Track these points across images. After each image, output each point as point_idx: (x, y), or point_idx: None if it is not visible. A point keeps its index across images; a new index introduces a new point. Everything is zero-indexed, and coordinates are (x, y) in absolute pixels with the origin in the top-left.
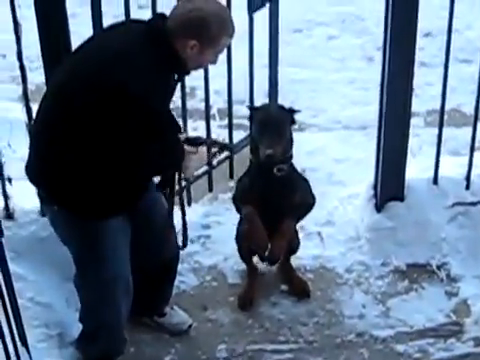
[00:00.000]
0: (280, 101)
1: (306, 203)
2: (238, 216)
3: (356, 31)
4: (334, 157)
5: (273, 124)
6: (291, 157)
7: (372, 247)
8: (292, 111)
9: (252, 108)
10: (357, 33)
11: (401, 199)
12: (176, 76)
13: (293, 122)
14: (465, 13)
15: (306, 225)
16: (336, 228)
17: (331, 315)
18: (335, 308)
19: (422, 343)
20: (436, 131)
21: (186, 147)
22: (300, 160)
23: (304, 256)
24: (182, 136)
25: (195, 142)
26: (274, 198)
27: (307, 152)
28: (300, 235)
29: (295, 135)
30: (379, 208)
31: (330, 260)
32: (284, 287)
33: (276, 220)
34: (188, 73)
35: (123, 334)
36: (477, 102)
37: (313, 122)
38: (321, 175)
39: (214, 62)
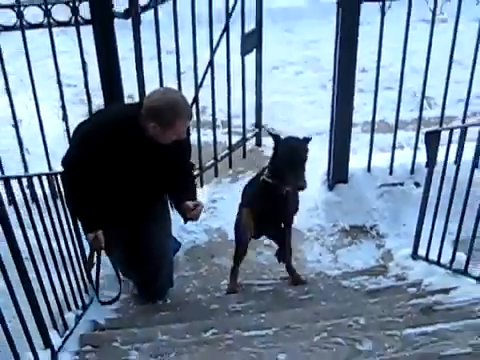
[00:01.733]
0: (264, 116)
1: (296, 209)
2: (235, 193)
3: (315, 68)
4: None
5: (302, 160)
6: None
7: (326, 214)
8: (307, 141)
9: (276, 136)
10: (315, 69)
11: (345, 182)
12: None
13: (307, 151)
14: (388, 55)
15: None
16: (301, 202)
17: (299, 261)
18: (301, 256)
19: (360, 279)
20: (369, 136)
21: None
22: None
23: None
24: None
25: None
26: (275, 207)
27: None
28: None
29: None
30: (331, 188)
31: (298, 224)
32: (267, 242)
33: (273, 222)
34: (163, 143)
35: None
36: (397, 116)
37: (286, 130)
38: None
39: (181, 136)
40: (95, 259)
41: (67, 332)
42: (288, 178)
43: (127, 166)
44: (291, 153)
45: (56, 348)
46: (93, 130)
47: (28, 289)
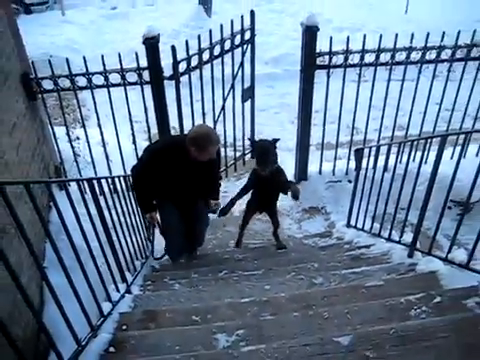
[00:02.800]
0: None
1: (286, 180)
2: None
3: (287, 110)
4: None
5: (265, 154)
6: (276, 162)
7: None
8: (275, 141)
9: (252, 140)
10: (287, 111)
11: (306, 180)
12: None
13: (275, 147)
14: (331, 101)
15: None
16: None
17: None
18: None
19: (315, 239)
20: (320, 152)
21: (211, 201)
22: None
23: None
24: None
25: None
26: (269, 184)
27: None
28: None
29: None
30: (297, 183)
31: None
32: (260, 216)
33: (268, 196)
34: (201, 160)
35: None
36: (337, 139)
37: None
38: None
39: (213, 156)
40: (151, 230)
41: (136, 273)
42: (258, 166)
43: (177, 174)
44: (259, 149)
45: (129, 282)
46: (155, 150)
47: (112, 246)
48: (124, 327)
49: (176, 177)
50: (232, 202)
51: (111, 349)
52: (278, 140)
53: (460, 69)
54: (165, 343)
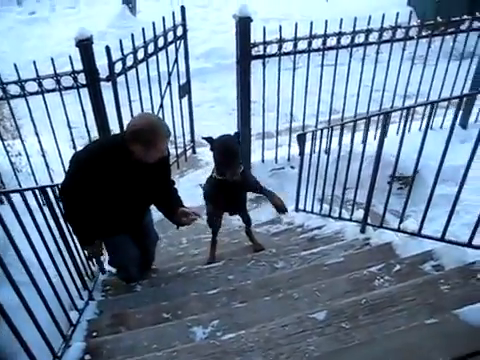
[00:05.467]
0: (195, 134)
1: (255, 183)
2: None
3: (222, 103)
4: None
5: (233, 155)
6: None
7: None
8: (238, 135)
9: (208, 139)
10: (222, 104)
11: (249, 169)
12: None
13: (239, 142)
14: (268, 91)
15: None
16: None
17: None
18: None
19: (266, 227)
20: (261, 141)
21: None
22: (205, 157)
23: None
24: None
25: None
26: (231, 196)
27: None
28: None
29: None
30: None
31: None
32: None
33: (237, 203)
34: (148, 161)
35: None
36: (277, 127)
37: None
38: None
39: (163, 153)
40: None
41: (94, 279)
42: (224, 172)
43: (119, 186)
44: (223, 149)
45: (90, 288)
46: (85, 158)
47: (70, 253)
48: (94, 334)
49: (118, 189)
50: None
51: (87, 357)
52: (239, 134)
53: (387, 51)
54: (142, 343)
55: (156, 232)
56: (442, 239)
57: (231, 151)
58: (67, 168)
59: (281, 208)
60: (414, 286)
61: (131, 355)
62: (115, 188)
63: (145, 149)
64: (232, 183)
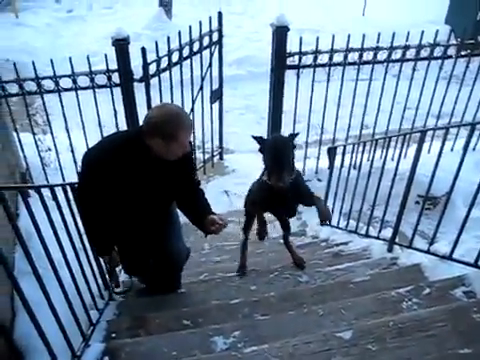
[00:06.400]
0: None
1: (309, 193)
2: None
3: (252, 111)
4: (249, 163)
5: (281, 158)
6: (294, 167)
7: None
8: (292, 137)
9: (258, 138)
10: (252, 112)
11: None
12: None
13: (294, 146)
14: (299, 102)
15: (235, 190)
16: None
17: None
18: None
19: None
20: None
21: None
22: (234, 164)
23: (239, 205)
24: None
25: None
26: (286, 199)
27: (237, 161)
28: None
29: None
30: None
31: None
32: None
33: (284, 213)
34: (169, 158)
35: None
36: (306, 139)
37: (237, 148)
38: (244, 171)
39: (185, 149)
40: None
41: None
42: (271, 176)
43: (136, 186)
44: (272, 150)
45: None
46: (96, 157)
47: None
48: (113, 335)
49: (135, 191)
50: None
51: (105, 359)
52: (297, 135)
53: (424, 68)
54: (161, 349)
55: (186, 246)
56: (476, 264)
57: (279, 153)
58: (80, 168)
59: (326, 218)
60: (445, 312)
61: None
62: (131, 189)
63: (165, 143)
64: (282, 191)
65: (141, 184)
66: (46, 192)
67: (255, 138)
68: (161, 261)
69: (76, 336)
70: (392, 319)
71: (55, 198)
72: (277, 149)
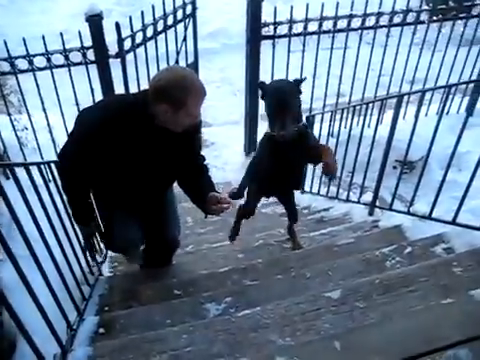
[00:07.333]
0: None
1: (318, 143)
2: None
3: (228, 83)
4: (228, 135)
5: (284, 101)
6: (301, 118)
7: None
8: (298, 82)
9: (260, 83)
10: (229, 84)
11: (255, 150)
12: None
13: (300, 92)
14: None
15: (214, 163)
16: (229, 164)
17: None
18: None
19: (272, 208)
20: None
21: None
22: (212, 137)
23: (218, 177)
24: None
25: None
26: (290, 153)
27: (215, 134)
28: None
29: None
30: (247, 154)
31: (229, 177)
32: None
33: (292, 175)
34: (176, 130)
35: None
36: None
37: (215, 121)
38: (223, 143)
39: (195, 118)
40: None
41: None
42: (274, 125)
43: (135, 159)
44: (273, 96)
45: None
46: (94, 120)
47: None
48: (106, 308)
49: (131, 164)
50: (240, 190)
51: (101, 330)
52: (304, 80)
53: (397, 36)
54: (154, 318)
55: (179, 223)
56: (454, 222)
57: (282, 96)
58: (72, 129)
59: (330, 170)
60: (427, 267)
61: (145, 330)
62: (128, 163)
63: (173, 111)
64: (287, 144)
65: (140, 158)
66: (34, 169)
67: (258, 84)
68: (155, 248)
69: (72, 311)
70: (377, 277)
71: (42, 177)
72: (280, 92)
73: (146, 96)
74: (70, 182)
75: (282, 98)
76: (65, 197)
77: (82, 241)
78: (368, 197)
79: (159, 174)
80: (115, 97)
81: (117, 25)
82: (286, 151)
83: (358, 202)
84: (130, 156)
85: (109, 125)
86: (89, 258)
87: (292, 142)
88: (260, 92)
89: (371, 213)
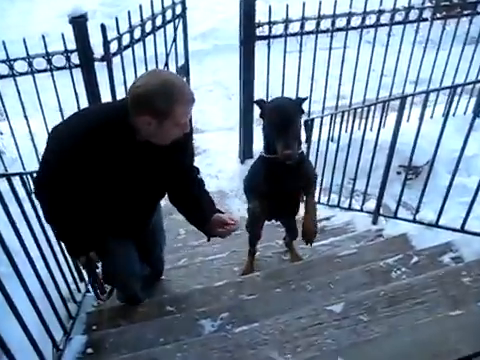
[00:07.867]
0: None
1: (314, 178)
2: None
3: (221, 87)
4: (221, 142)
5: (288, 121)
6: (300, 143)
7: (240, 179)
8: (300, 101)
9: (259, 101)
10: (222, 87)
11: (252, 157)
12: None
13: (302, 112)
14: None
15: (207, 171)
16: (223, 172)
17: (228, 211)
18: (228, 208)
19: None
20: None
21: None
22: (204, 144)
23: (212, 185)
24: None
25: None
26: (290, 178)
27: (208, 141)
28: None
29: None
30: (242, 162)
31: (224, 187)
32: None
33: (290, 200)
34: (161, 143)
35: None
36: None
37: (207, 128)
38: (216, 150)
39: (184, 129)
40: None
41: None
42: (275, 145)
43: (118, 177)
44: (277, 114)
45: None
46: (70, 140)
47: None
48: (94, 327)
49: (116, 184)
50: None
51: (89, 350)
52: (305, 100)
53: (399, 34)
54: (146, 336)
55: (165, 235)
56: (462, 230)
57: (286, 116)
58: (45, 151)
59: (309, 235)
60: (434, 278)
61: (137, 349)
62: (111, 182)
63: (157, 122)
64: (286, 167)
65: (125, 176)
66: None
67: (256, 102)
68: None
69: (58, 331)
70: (382, 289)
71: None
72: (283, 110)
73: (126, 105)
74: (55, 211)
75: (286, 116)
76: (52, 231)
77: (83, 271)
78: (371, 205)
79: (149, 192)
80: (88, 110)
81: (102, 27)
82: (285, 173)
83: (361, 210)
84: (113, 175)
85: (85, 143)
86: (99, 294)
87: (288, 167)
88: (259, 110)
89: (375, 222)
